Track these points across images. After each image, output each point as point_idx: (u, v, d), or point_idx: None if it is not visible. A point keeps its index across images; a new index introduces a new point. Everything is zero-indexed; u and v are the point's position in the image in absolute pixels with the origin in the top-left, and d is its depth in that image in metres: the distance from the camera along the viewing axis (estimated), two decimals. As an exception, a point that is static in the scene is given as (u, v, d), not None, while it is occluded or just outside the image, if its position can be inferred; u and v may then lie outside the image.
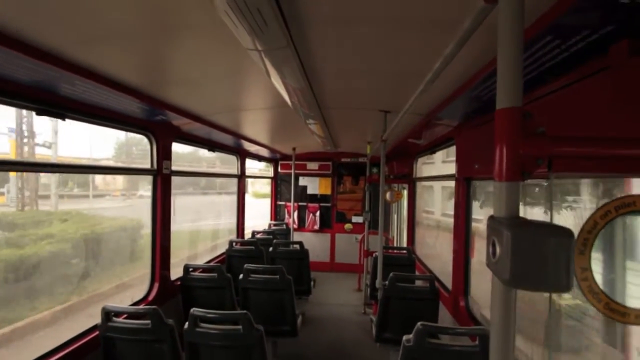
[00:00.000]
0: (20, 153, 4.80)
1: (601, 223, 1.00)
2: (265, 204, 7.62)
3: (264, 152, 5.69)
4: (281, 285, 2.86)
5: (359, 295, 5.28)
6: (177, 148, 3.17)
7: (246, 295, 2.92)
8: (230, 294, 2.99)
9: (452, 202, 3.00)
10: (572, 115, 1.36)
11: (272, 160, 6.74)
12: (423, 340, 1.71)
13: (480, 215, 2.97)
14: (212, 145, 4.06)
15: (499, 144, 0.61)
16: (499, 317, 0.62)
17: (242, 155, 5.11)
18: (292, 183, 6.13)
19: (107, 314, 1.97)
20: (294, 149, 5.70)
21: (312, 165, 6.68)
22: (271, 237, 5.10)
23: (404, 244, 5.41)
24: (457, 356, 1.71)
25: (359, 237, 5.78)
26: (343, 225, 6.64)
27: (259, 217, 7.30)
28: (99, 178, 7.26)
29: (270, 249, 4.05)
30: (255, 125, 3.64)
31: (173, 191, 3.17)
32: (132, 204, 7.57)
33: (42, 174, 5.40)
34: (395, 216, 6.76)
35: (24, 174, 4.91)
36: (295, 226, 6.46)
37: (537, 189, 2.23)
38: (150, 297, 2.89)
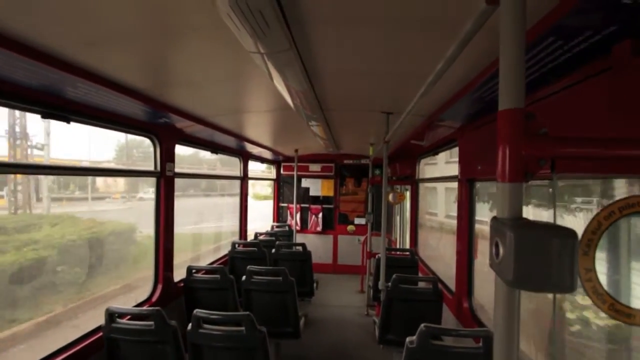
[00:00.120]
0: (13, 155, 4.62)
1: (605, 224, 0.99)
2: (266, 206, 7.61)
3: (267, 154, 5.71)
4: (284, 286, 2.86)
5: (362, 296, 5.27)
6: (178, 150, 3.18)
7: (249, 296, 2.92)
8: (233, 295, 3.00)
9: (456, 203, 2.99)
10: (574, 117, 1.35)
11: (275, 162, 6.76)
12: (426, 342, 1.70)
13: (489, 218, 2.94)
14: (215, 148, 4.08)
15: (502, 145, 0.61)
16: (503, 318, 0.62)
17: (245, 157, 5.12)
18: (294, 185, 6.14)
19: (111, 315, 1.98)
20: (296, 150, 5.71)
21: (315, 167, 6.69)
22: (274, 238, 5.10)
23: (407, 246, 5.40)
24: (461, 358, 1.70)
25: (362, 238, 5.78)
26: (345, 226, 6.64)
27: (259, 219, 7.28)
28: (99, 180, 7.26)
29: (273, 250, 4.05)
30: (258, 128, 3.65)
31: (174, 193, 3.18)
32: (132, 206, 7.52)
33: (41, 177, 5.39)
34: (398, 218, 6.75)
35: (17, 176, 4.76)
36: (298, 228, 6.46)
37: (550, 189, 2.20)
38: (154, 299, 2.90)
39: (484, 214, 2.88)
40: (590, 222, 1.02)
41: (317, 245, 6.49)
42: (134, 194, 8.04)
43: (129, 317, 2.15)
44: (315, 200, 6.74)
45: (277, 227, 6.48)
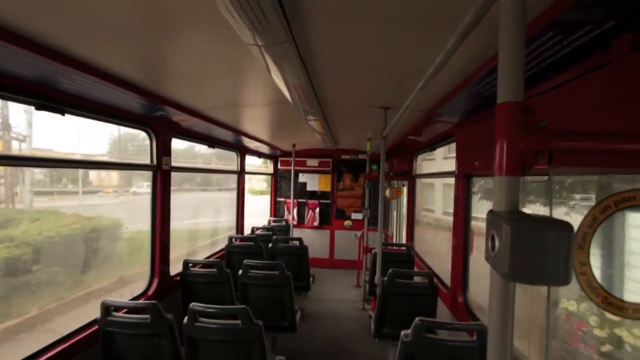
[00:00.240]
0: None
1: (600, 218, 1.00)
2: (262, 201, 7.55)
3: (264, 149, 5.69)
4: (280, 281, 2.87)
5: (358, 291, 5.31)
6: (173, 144, 3.16)
7: (245, 290, 2.93)
8: (229, 289, 3.00)
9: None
10: (574, 112, 1.36)
11: (272, 157, 6.74)
12: (421, 335, 1.72)
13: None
14: (212, 142, 4.05)
15: (499, 138, 0.61)
16: (498, 311, 0.63)
17: (242, 151, 5.10)
18: (291, 180, 6.14)
19: (107, 309, 1.98)
20: (293, 145, 5.69)
21: (312, 162, 6.69)
22: (271, 233, 5.11)
23: (403, 241, 5.43)
24: (455, 351, 1.72)
25: (359, 233, 5.80)
26: (342, 222, 6.66)
27: (256, 214, 7.25)
28: (93, 174, 7.15)
29: (270, 245, 4.06)
30: (256, 122, 3.63)
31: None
32: (125, 201, 7.38)
33: (25, 169, 5.27)
34: (395, 213, 6.78)
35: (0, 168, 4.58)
36: (295, 223, 6.47)
37: (557, 186, 2.12)
38: (150, 292, 2.90)
39: (483, 211, 2.89)
40: (586, 216, 1.03)
41: (314, 240, 6.51)
42: (128, 188, 7.92)
43: (125, 310, 2.15)
44: (313, 195, 6.74)
45: (274, 221, 6.49)
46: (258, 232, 5.37)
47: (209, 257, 4.19)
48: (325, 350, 3.56)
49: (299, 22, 1.30)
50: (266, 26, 1.18)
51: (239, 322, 1.92)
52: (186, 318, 1.96)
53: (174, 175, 3.15)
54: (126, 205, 7.35)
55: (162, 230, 2.99)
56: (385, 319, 2.77)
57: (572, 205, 1.97)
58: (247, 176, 5.40)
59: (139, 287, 3.06)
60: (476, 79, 1.68)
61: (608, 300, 1.02)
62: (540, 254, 0.54)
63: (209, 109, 2.84)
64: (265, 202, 7.17)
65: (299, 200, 6.67)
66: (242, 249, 4.05)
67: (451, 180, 3.04)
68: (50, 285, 4.18)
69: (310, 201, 6.71)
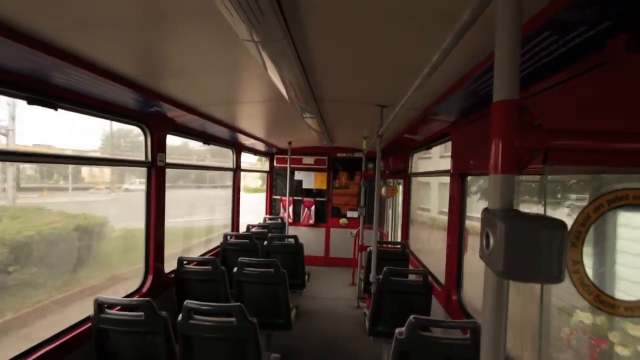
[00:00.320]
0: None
1: (594, 216, 1.01)
2: (257, 199, 7.49)
3: (260, 146, 5.67)
4: (276, 278, 2.87)
5: (353, 289, 5.32)
6: (168, 141, 3.13)
7: (241, 288, 2.92)
8: (224, 287, 2.99)
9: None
10: (569, 111, 1.37)
11: (268, 155, 6.72)
12: (415, 333, 1.73)
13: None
14: (207, 139, 4.03)
15: (495, 136, 0.61)
16: (491, 309, 0.63)
17: (238, 148, 5.08)
18: (287, 177, 6.13)
19: (100, 306, 1.96)
20: (290, 143, 5.68)
21: (308, 160, 6.68)
22: (266, 231, 5.10)
23: (399, 240, 5.45)
24: (449, 349, 1.73)
25: (354, 232, 5.81)
26: (338, 220, 6.66)
27: (251, 212, 7.19)
28: (85, 171, 7.04)
29: (265, 243, 4.05)
30: (252, 119, 3.61)
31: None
32: (116, 198, 7.25)
33: (7, 164, 5.14)
34: (391, 212, 6.80)
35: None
36: (291, 221, 6.46)
37: (558, 187, 2.06)
38: (144, 290, 2.88)
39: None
40: (579, 215, 1.04)
41: (309, 238, 6.51)
42: (120, 185, 7.82)
43: (118, 307, 2.13)
44: (309, 193, 6.74)
45: (270, 219, 6.47)
46: (254, 230, 5.36)
47: (204, 255, 4.18)
48: (320, 348, 3.57)
49: (296, 19, 1.30)
50: (263, 23, 1.17)
51: (234, 319, 1.91)
52: (181, 316, 1.95)
53: (168, 172, 3.13)
54: (117, 202, 7.17)
55: (157, 228, 2.97)
56: (380, 317, 2.78)
57: (579, 207, 1.93)
58: (242, 174, 5.38)
59: (123, 288, 2.99)
60: (472, 79, 1.69)
61: (600, 298, 1.04)
62: (534, 252, 0.54)
63: (205, 105, 2.82)
64: (259, 200, 7.12)
65: (295, 198, 6.67)
66: (237, 247, 4.04)
67: (447, 180, 3.06)
68: (29, 287, 3.95)
69: (306, 199, 6.70)
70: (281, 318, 2.93)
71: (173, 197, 3.23)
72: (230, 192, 5.19)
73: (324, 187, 6.71)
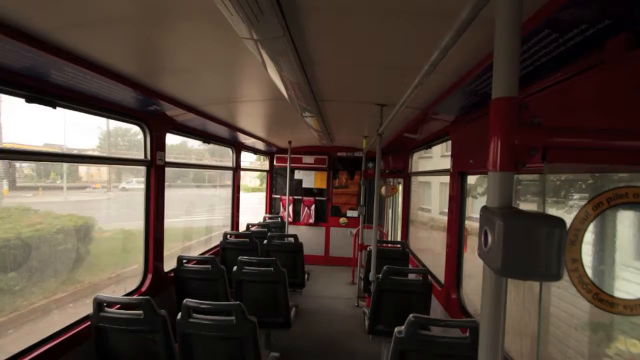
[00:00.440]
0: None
1: (593, 214, 1.01)
2: (255, 199, 7.42)
3: (260, 145, 5.66)
4: (275, 277, 2.87)
5: (353, 288, 5.33)
6: (165, 139, 3.11)
7: (240, 287, 2.92)
8: (223, 285, 3.00)
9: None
10: (569, 110, 1.36)
11: (268, 154, 6.72)
12: (414, 331, 1.73)
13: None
14: (207, 137, 4.02)
15: (494, 133, 0.61)
16: (490, 306, 0.63)
17: (238, 147, 5.08)
18: (287, 176, 6.13)
19: (99, 304, 1.96)
20: (289, 142, 5.68)
21: (308, 159, 6.68)
22: (266, 230, 5.10)
23: (398, 239, 5.45)
24: (448, 348, 1.73)
25: (354, 231, 5.81)
26: (338, 219, 6.67)
27: (249, 212, 7.15)
28: (82, 169, 6.97)
29: (265, 241, 4.05)
30: (251, 118, 3.61)
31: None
32: (113, 196, 7.09)
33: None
34: (390, 211, 6.80)
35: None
36: (290, 220, 6.46)
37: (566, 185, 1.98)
38: (143, 288, 2.88)
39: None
40: (579, 213, 1.03)
41: (309, 237, 6.52)
42: (117, 184, 7.74)
43: (117, 306, 2.13)
44: (308, 192, 6.74)
45: (270, 218, 6.48)
46: (253, 228, 5.36)
47: (203, 254, 4.18)
48: (320, 347, 3.58)
49: (295, 17, 1.29)
50: (262, 20, 1.16)
51: (232, 318, 1.91)
52: (180, 314, 1.95)
53: (167, 171, 3.13)
54: (112, 201, 7.08)
55: (156, 226, 2.97)
56: (380, 315, 2.78)
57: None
58: (241, 173, 5.38)
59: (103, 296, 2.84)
60: (472, 77, 1.68)
61: (599, 296, 1.04)
62: (532, 250, 0.54)
63: (204, 104, 2.82)
64: (258, 199, 7.09)
65: (295, 197, 6.67)
66: (237, 246, 4.04)
67: (447, 179, 3.06)
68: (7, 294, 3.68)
69: (305, 198, 6.70)
70: (280, 316, 2.93)
71: (171, 196, 3.21)
72: (228, 191, 5.19)
73: (324, 186, 6.71)
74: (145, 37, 1.54)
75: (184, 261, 3.06)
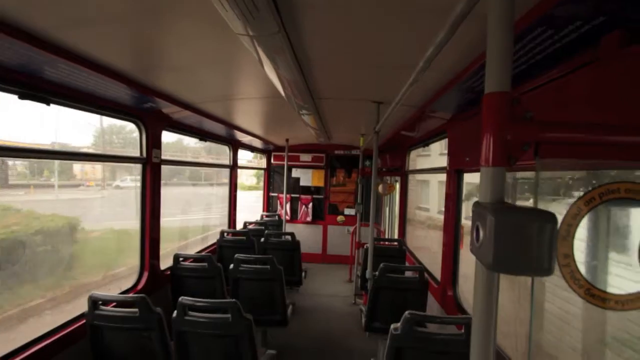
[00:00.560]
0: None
1: (585, 210, 1.02)
2: (251, 197, 7.36)
3: (257, 143, 5.65)
4: (272, 275, 2.87)
5: (350, 286, 5.34)
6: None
7: (237, 285, 2.92)
8: (220, 283, 2.99)
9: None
10: (565, 107, 1.37)
11: (265, 152, 6.71)
12: (410, 328, 1.74)
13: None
14: (203, 135, 4.01)
15: (486, 128, 0.61)
16: (482, 302, 0.63)
17: (235, 145, 5.06)
18: (284, 174, 6.12)
19: (94, 302, 1.95)
20: (287, 140, 5.67)
21: (305, 157, 6.67)
22: (263, 228, 5.09)
23: (396, 236, 5.47)
24: (443, 344, 1.74)
25: (351, 229, 5.82)
26: (335, 217, 6.67)
27: (245, 210, 7.10)
28: (77, 167, 6.87)
29: (262, 239, 4.05)
30: (248, 115, 3.60)
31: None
32: (106, 194, 7.06)
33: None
34: (387, 209, 6.82)
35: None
36: (288, 218, 6.46)
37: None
38: (139, 286, 2.87)
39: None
40: (570, 208, 1.04)
41: (306, 235, 6.52)
42: (111, 181, 7.60)
43: (113, 304, 2.12)
44: (306, 190, 6.74)
45: (267, 216, 6.47)
46: (250, 226, 5.35)
47: (200, 252, 4.17)
48: (317, 344, 3.58)
49: (290, 14, 1.28)
50: (257, 17, 1.16)
51: (228, 315, 1.91)
52: (175, 312, 1.95)
53: (162, 169, 3.11)
54: (105, 200, 6.98)
55: (152, 224, 2.96)
56: (376, 313, 2.79)
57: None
58: (237, 171, 5.37)
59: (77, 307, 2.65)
60: (467, 75, 1.68)
61: (591, 291, 1.04)
62: (524, 245, 0.54)
63: (200, 101, 2.80)
64: (254, 198, 7.05)
65: (292, 195, 6.66)
66: (234, 244, 4.03)
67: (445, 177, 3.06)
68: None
69: (303, 196, 6.70)
70: (277, 314, 2.93)
71: (166, 194, 3.18)
72: (225, 189, 5.18)
73: (321, 184, 6.71)
74: (140, 33, 1.53)
75: (181, 259, 3.06)
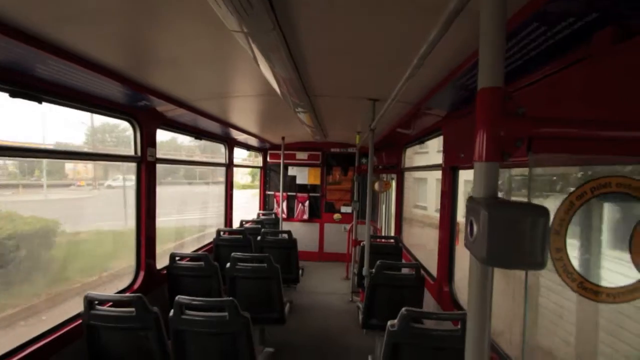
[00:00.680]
0: None
1: (577, 204, 1.03)
2: (245, 197, 7.28)
3: (253, 141, 5.63)
4: (268, 273, 2.87)
5: (347, 283, 5.36)
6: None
7: (234, 283, 2.92)
8: (217, 282, 2.99)
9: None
10: (558, 103, 1.38)
11: (261, 150, 6.69)
12: (407, 325, 1.75)
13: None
14: (199, 133, 3.98)
15: (480, 124, 0.61)
16: (476, 296, 0.64)
17: (231, 144, 5.04)
18: (281, 173, 6.12)
19: (90, 302, 1.94)
20: (283, 138, 5.66)
21: (302, 155, 6.67)
22: (259, 226, 5.09)
23: (392, 234, 5.49)
24: (440, 340, 1.76)
25: (348, 226, 5.84)
26: (332, 215, 6.68)
27: (240, 209, 7.03)
28: (69, 166, 6.74)
29: (259, 238, 4.04)
30: (244, 113, 3.58)
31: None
32: (97, 194, 6.92)
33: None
34: (384, 207, 6.84)
35: None
36: (284, 216, 6.46)
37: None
38: (136, 286, 2.86)
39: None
40: (563, 202, 1.05)
41: (303, 233, 6.52)
42: (103, 181, 7.38)
43: (109, 303, 2.11)
44: (302, 188, 6.74)
45: (264, 215, 6.47)
46: (247, 225, 5.34)
47: (197, 251, 4.16)
48: (314, 342, 3.60)
49: (285, 11, 1.28)
50: (251, 14, 1.15)
51: (225, 314, 1.91)
52: (172, 311, 1.94)
53: (157, 168, 3.09)
54: (96, 200, 6.84)
55: (148, 223, 2.94)
56: (373, 310, 2.81)
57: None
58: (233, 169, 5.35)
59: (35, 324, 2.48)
60: (462, 72, 1.69)
61: (584, 285, 1.06)
62: (517, 239, 0.55)
63: (195, 99, 2.79)
64: (249, 196, 7.01)
65: (289, 193, 6.66)
66: (230, 242, 4.03)
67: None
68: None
69: (299, 194, 6.70)
70: (275, 312, 2.94)
71: (161, 193, 3.15)
72: (220, 188, 5.16)
73: (318, 182, 6.71)
74: (133, 31, 1.52)
75: (177, 258, 3.05)
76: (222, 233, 4.12)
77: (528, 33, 1.19)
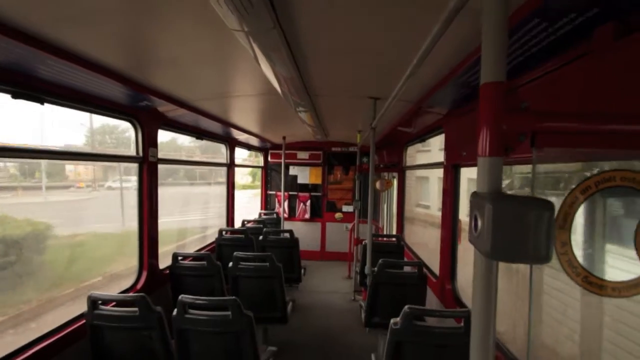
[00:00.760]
0: None
1: (581, 198, 1.03)
2: (246, 197, 7.23)
3: (254, 141, 5.64)
4: (271, 272, 2.87)
5: (349, 282, 5.36)
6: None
7: (236, 283, 2.92)
8: (219, 281, 2.99)
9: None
10: (561, 98, 1.38)
11: (262, 150, 6.69)
12: (409, 323, 1.75)
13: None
14: (200, 133, 3.99)
15: (483, 119, 0.61)
16: (481, 291, 0.64)
17: (232, 143, 5.05)
18: (282, 172, 6.11)
19: (94, 302, 1.95)
20: (284, 137, 5.66)
21: (303, 155, 6.67)
22: (261, 226, 5.09)
23: (394, 232, 5.48)
24: (443, 338, 1.76)
25: (349, 225, 5.84)
26: (333, 214, 6.68)
27: (240, 209, 7.01)
28: (69, 168, 6.70)
29: (261, 237, 4.05)
30: (245, 113, 3.58)
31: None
32: (97, 196, 6.89)
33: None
34: (385, 206, 6.84)
35: None
36: (286, 215, 6.46)
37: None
38: (139, 286, 2.87)
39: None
40: (567, 196, 1.05)
41: (305, 232, 6.53)
42: (103, 182, 7.32)
43: (113, 303, 2.12)
44: (303, 188, 6.74)
45: (265, 214, 6.47)
46: (249, 225, 5.35)
47: (199, 250, 4.16)
48: (317, 341, 3.60)
49: (286, 9, 1.28)
50: (251, 12, 1.15)
51: (229, 313, 1.92)
52: (175, 310, 1.95)
53: (158, 169, 3.09)
54: (96, 201, 6.80)
55: (150, 223, 2.95)
56: (376, 308, 2.81)
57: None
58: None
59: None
60: (464, 69, 1.69)
61: (588, 279, 1.06)
62: (521, 233, 0.55)
63: (196, 99, 2.79)
64: (249, 197, 7.00)
65: (290, 193, 6.66)
66: (232, 242, 4.03)
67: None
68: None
69: (301, 194, 6.70)
70: (277, 311, 2.94)
71: (162, 194, 3.15)
72: (221, 188, 5.16)
73: (319, 181, 6.71)
74: (135, 31, 1.52)
75: (179, 258, 3.05)
76: (224, 232, 4.13)
77: (529, 29, 1.18)
